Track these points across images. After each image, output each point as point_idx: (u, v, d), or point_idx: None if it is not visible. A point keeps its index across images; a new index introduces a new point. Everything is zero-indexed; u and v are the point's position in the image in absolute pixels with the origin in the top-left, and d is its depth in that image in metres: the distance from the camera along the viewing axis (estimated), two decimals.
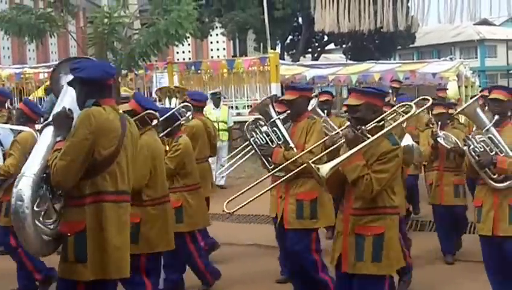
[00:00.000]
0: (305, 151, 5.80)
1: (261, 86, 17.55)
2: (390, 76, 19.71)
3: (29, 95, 18.18)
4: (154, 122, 6.00)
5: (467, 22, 15.19)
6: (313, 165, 4.78)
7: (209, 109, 12.77)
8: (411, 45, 41.89)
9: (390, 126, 5.05)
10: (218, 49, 32.94)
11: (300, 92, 6.44)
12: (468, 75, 22.42)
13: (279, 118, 6.45)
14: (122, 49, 15.69)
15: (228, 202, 5.15)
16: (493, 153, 6.04)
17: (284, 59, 30.33)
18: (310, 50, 38.57)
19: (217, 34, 31.81)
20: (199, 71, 17.89)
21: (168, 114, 6.86)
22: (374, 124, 4.95)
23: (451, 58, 23.85)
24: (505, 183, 6.02)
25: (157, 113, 5.94)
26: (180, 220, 6.96)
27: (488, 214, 6.08)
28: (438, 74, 19.82)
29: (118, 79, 15.87)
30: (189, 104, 7.91)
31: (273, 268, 7.86)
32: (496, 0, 11.49)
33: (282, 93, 16.64)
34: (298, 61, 32.25)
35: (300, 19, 35.58)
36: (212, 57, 30.99)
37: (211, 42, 32.81)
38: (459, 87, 19.14)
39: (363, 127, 4.89)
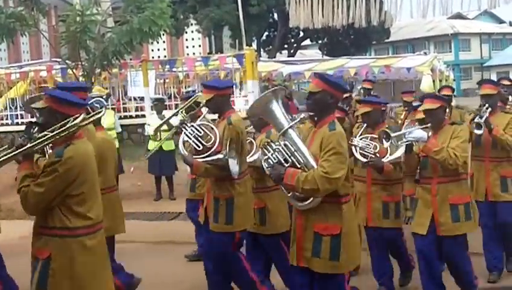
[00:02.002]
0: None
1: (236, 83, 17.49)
2: (366, 71, 19.79)
3: (1, 96, 17.96)
4: None
5: (441, 16, 15.26)
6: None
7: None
8: (386, 40, 42.11)
9: None
10: (193, 46, 32.82)
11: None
12: (443, 69, 22.54)
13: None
14: (95, 48, 15.55)
15: None
16: (288, 164, 4.85)
17: (260, 56, 30.30)
18: (286, 46, 38.60)
19: (192, 31, 31.69)
20: (174, 69, 17.79)
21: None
22: None
23: (425, 53, 23.96)
24: (304, 203, 4.88)
25: None
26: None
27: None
28: (413, 68, 19.90)
29: (92, 78, 15.76)
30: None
31: None
32: None
33: (261, 90, 16.63)
34: (274, 57, 32.25)
35: (275, 15, 35.56)
36: (187, 54, 30.87)
37: (186, 39, 32.68)
38: (433, 81, 19.19)
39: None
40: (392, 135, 5.99)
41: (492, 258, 7.11)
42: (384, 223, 6.56)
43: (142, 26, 14.92)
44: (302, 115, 5.70)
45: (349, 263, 4.97)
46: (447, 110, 6.50)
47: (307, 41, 41.64)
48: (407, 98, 10.20)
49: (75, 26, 14.60)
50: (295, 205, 4.98)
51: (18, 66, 20.53)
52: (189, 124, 6.07)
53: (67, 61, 16.12)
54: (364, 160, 6.39)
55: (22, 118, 16.86)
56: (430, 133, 5.89)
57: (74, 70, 15.95)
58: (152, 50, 30.31)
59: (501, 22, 72.17)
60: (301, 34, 37.50)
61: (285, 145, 4.87)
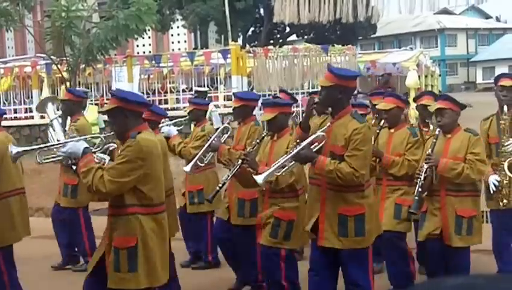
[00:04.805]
0: None
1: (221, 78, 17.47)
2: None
3: None
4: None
5: (428, 12, 15.23)
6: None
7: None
8: (372, 35, 42.12)
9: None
10: (179, 42, 32.65)
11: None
12: (429, 65, 22.56)
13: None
14: (80, 44, 15.45)
15: None
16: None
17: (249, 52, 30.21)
18: (272, 42, 38.50)
19: (178, 27, 31.53)
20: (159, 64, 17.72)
21: None
22: None
23: (411, 48, 23.98)
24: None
25: None
26: None
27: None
28: (398, 63, 19.90)
29: (76, 74, 15.67)
30: None
31: None
32: None
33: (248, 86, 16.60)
34: None
35: (261, 10, 35.47)
36: (173, 49, 30.72)
37: (172, 35, 32.51)
38: (419, 76, 19.20)
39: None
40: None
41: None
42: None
43: (128, 22, 14.82)
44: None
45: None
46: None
47: (293, 37, 41.57)
48: (376, 100, 9.72)
49: (60, 22, 14.51)
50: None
51: (2, 61, 20.38)
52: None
53: (52, 56, 16.03)
54: None
55: (4, 113, 16.70)
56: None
57: (59, 65, 15.87)
58: (137, 45, 30.13)
59: (488, 17, 72.46)
60: (287, 29, 37.43)
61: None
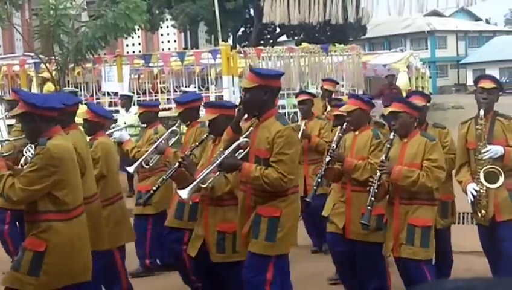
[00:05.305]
0: None
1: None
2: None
3: None
4: None
5: (417, 14, 15.24)
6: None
7: None
8: (362, 37, 42.12)
9: None
10: (169, 42, 32.58)
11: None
12: (419, 66, 22.61)
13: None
14: (69, 43, 15.35)
15: None
16: None
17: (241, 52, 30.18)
18: (262, 42, 38.45)
19: (167, 26, 31.46)
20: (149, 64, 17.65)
21: None
22: None
23: (401, 50, 24.02)
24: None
25: None
26: None
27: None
28: (389, 65, 19.92)
29: (65, 73, 15.57)
30: None
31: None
32: None
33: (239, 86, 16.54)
34: None
35: (251, 11, 35.43)
36: (163, 49, 30.65)
37: (162, 34, 32.44)
38: (409, 78, 19.23)
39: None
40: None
41: None
42: None
43: (117, 21, 14.74)
44: None
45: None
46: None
47: (284, 38, 41.54)
48: (328, 86, 9.46)
49: (49, 20, 14.41)
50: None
51: None
52: None
53: (40, 55, 15.93)
54: None
55: None
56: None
57: (47, 64, 15.77)
58: (127, 45, 30.04)
59: (477, 19, 72.66)
60: (277, 30, 37.41)
61: None
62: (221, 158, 5.11)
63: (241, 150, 5.18)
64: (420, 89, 21.41)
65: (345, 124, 6.46)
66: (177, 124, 7.72)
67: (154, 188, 6.48)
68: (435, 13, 58.92)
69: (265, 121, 5.12)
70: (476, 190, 6.04)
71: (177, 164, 5.90)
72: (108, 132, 7.57)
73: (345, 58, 17.67)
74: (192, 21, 29.60)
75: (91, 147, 6.33)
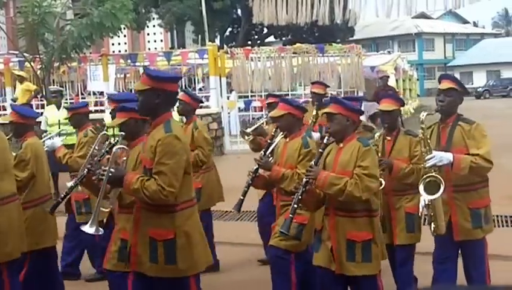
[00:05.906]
0: None
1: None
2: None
3: None
4: None
5: (405, 16, 15.19)
6: None
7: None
8: (350, 38, 42.16)
9: None
10: (155, 41, 32.43)
11: None
12: (406, 68, 22.60)
13: None
14: (54, 41, 15.18)
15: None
16: None
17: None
18: (249, 42, 38.42)
19: (154, 26, 31.31)
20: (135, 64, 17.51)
21: None
22: None
23: (389, 52, 24.02)
24: None
25: None
26: None
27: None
28: (377, 67, 19.87)
29: (50, 72, 15.41)
30: None
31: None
32: None
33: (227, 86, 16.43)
34: None
35: (239, 11, 35.37)
36: (149, 49, 30.50)
37: (148, 34, 32.27)
38: (396, 80, 19.20)
39: None
40: None
41: None
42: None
43: (103, 20, 14.60)
44: None
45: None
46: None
47: (271, 38, 41.54)
48: (317, 89, 8.70)
49: (32, 18, 14.24)
50: None
51: None
52: None
53: (25, 54, 15.78)
54: None
55: None
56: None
57: (32, 63, 15.62)
58: (112, 44, 29.87)
59: (465, 22, 72.99)
60: (265, 30, 37.39)
61: None
62: (107, 172, 4.76)
63: (124, 158, 5.01)
64: (408, 91, 21.42)
65: (278, 130, 6.02)
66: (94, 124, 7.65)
67: (62, 196, 6.16)
68: (423, 15, 59.14)
69: (156, 128, 4.76)
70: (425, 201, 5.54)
71: (86, 170, 5.44)
72: (42, 140, 7.40)
73: (343, 58, 17.30)
74: (178, 20, 29.48)
75: (20, 148, 6.21)
